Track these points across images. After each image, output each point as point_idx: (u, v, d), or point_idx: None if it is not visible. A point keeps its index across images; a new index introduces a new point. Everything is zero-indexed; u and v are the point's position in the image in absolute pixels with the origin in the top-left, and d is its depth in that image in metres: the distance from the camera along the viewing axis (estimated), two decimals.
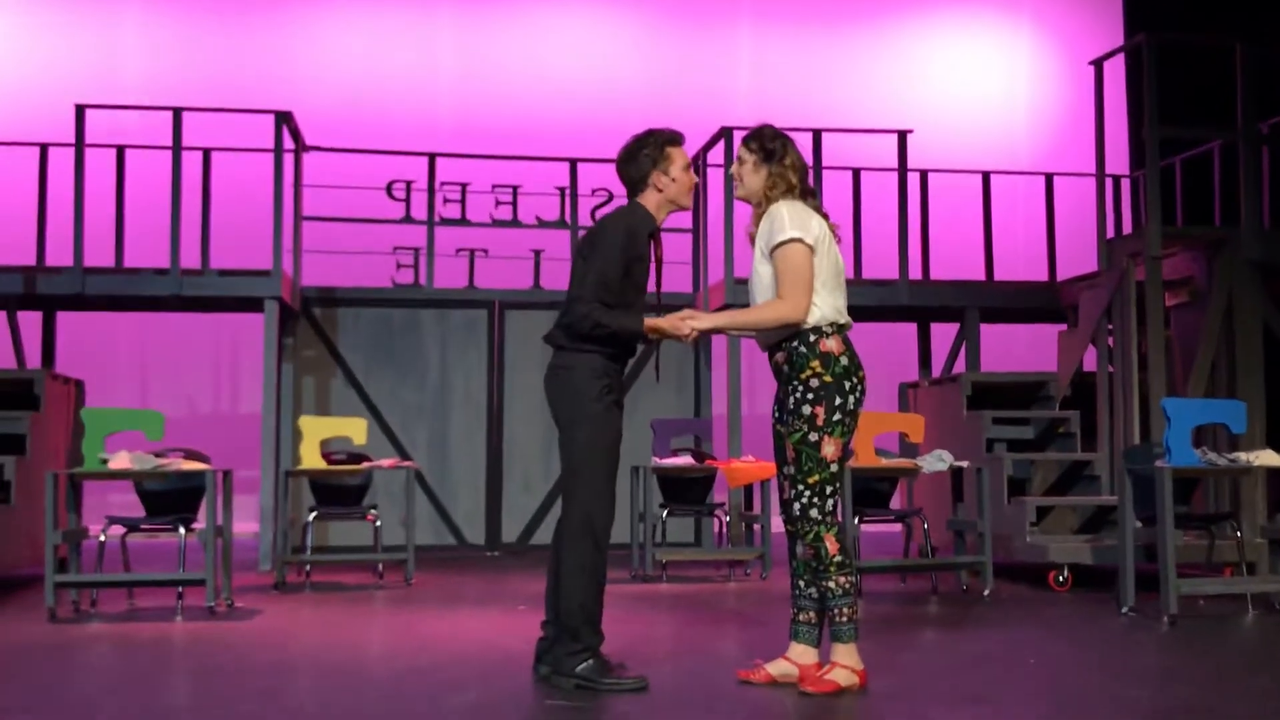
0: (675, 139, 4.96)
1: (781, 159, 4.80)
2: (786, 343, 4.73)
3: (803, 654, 4.85)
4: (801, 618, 4.86)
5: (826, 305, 4.71)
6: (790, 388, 4.73)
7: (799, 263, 4.68)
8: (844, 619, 4.69)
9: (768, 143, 4.83)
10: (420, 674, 5.13)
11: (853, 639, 4.70)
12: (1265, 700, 4.63)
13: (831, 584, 4.68)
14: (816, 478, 4.67)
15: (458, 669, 5.24)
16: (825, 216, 4.85)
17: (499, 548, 11.18)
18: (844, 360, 4.70)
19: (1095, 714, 4.35)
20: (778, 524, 8.56)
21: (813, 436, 4.66)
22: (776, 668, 4.85)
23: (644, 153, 4.90)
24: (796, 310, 4.67)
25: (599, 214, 11.33)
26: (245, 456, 11.16)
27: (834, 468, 4.69)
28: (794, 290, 4.67)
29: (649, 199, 4.93)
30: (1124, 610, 6.90)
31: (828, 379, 4.67)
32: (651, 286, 5.03)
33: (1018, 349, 12.44)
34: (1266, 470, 7.02)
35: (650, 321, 4.81)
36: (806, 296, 4.67)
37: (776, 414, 4.87)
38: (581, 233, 11.22)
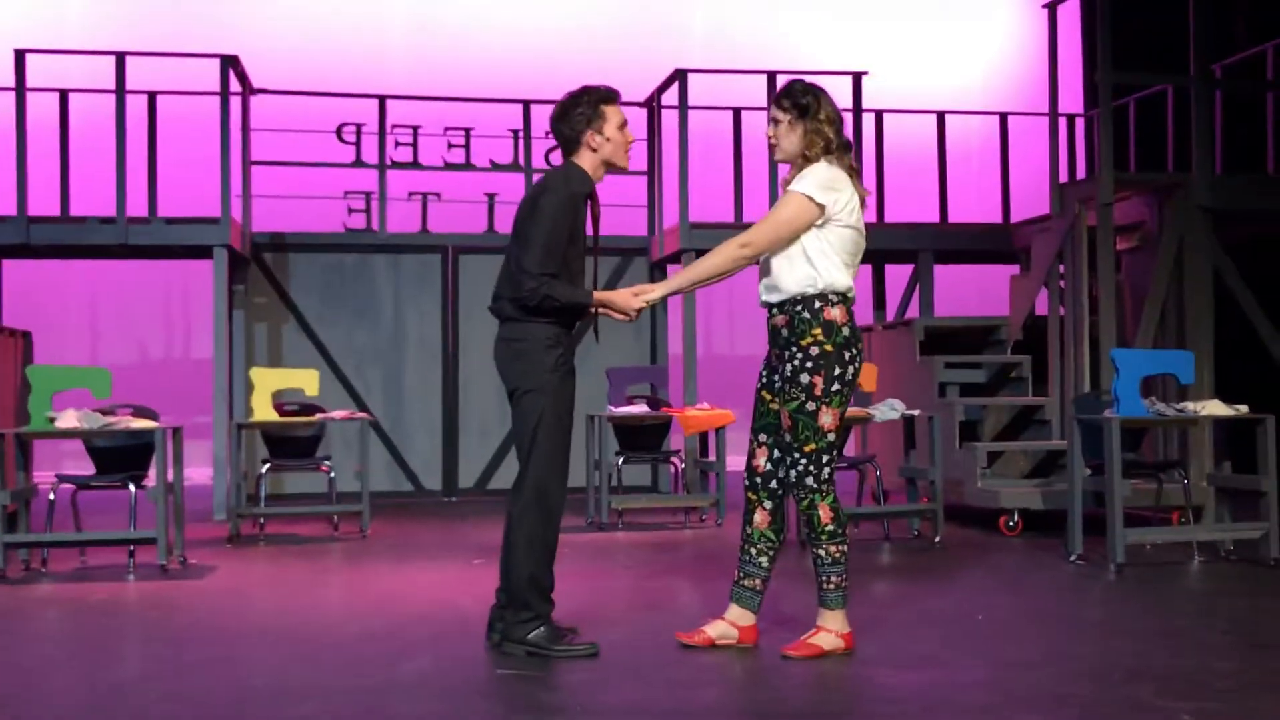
0: (610, 96, 4.84)
1: (816, 113, 4.67)
2: (789, 305, 4.66)
3: (741, 616, 4.90)
4: (746, 582, 4.89)
5: (836, 275, 4.62)
6: (789, 353, 4.66)
7: (787, 212, 4.59)
8: (832, 586, 4.71)
9: (800, 98, 4.69)
10: (374, 639, 5.14)
11: (840, 606, 4.72)
12: (1206, 655, 4.70)
13: (821, 551, 4.69)
14: (813, 446, 4.65)
15: (412, 633, 5.25)
16: (855, 173, 4.73)
17: (456, 493, 11.19)
18: (846, 331, 4.64)
19: (1036, 675, 4.41)
20: (733, 470, 8.62)
21: (810, 406, 4.62)
22: (715, 629, 4.90)
23: (577, 111, 4.80)
24: (747, 245, 4.61)
25: (552, 158, 11.24)
26: (198, 403, 11.11)
27: (830, 437, 4.66)
28: (760, 228, 4.62)
29: (584, 159, 4.83)
30: (1072, 558, 6.99)
31: (829, 348, 4.61)
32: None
33: (971, 289, 12.49)
34: (1214, 419, 7.10)
35: (600, 295, 4.78)
36: (768, 239, 4.60)
37: (764, 379, 4.83)
38: (536, 176, 11.15)
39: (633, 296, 4.80)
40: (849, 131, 5.08)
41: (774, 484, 4.83)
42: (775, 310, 4.72)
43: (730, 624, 4.88)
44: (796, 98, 4.70)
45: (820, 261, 4.63)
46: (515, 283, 4.71)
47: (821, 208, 4.60)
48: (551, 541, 4.78)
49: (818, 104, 4.69)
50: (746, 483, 4.90)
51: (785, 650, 4.70)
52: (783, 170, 4.89)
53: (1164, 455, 8.36)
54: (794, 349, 4.65)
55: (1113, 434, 6.71)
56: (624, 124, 4.87)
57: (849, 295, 4.68)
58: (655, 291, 4.83)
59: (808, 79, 4.81)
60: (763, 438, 4.84)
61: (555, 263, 4.67)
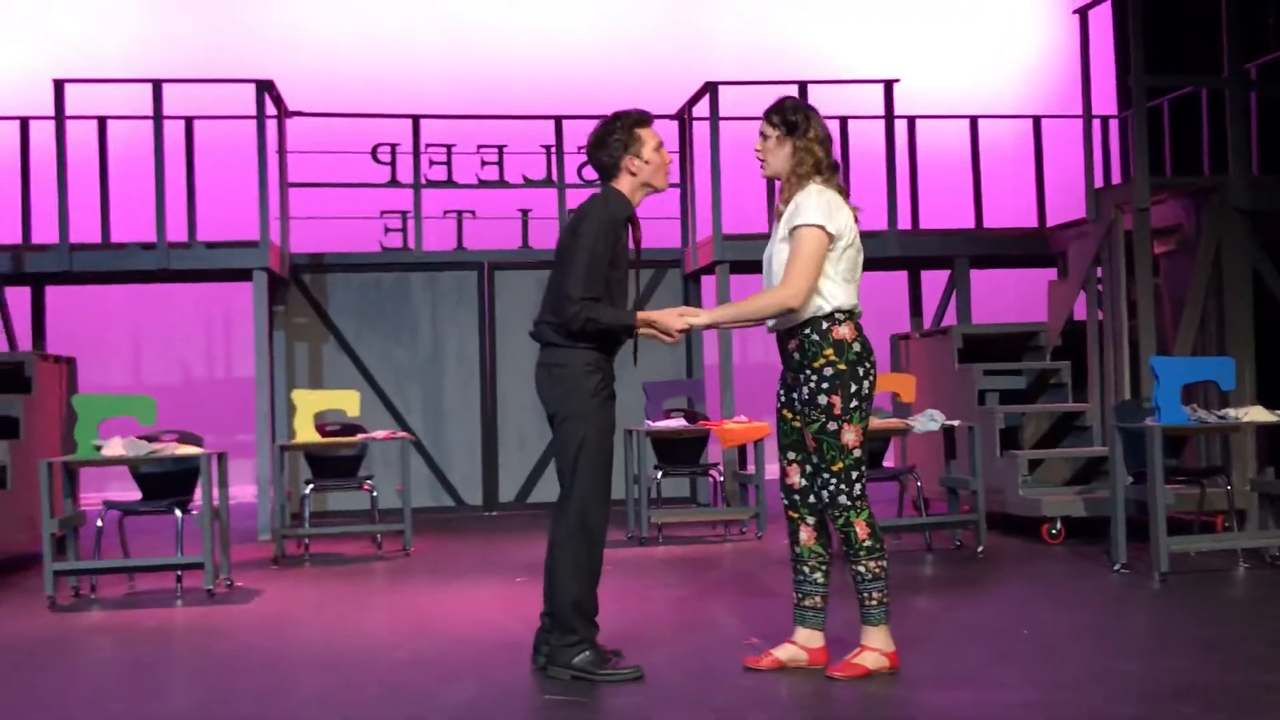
0: (644, 120, 4.90)
1: (805, 132, 4.73)
2: (798, 330, 4.70)
3: (810, 638, 4.87)
4: (807, 603, 4.88)
5: (839, 294, 4.67)
6: (803, 376, 4.70)
7: (811, 249, 4.61)
8: (874, 603, 4.72)
9: (789, 115, 4.76)
10: (418, 665, 5.18)
11: (883, 622, 4.73)
12: (1255, 671, 4.68)
13: (861, 568, 4.71)
14: (840, 465, 4.68)
15: (456, 657, 5.29)
16: (845, 194, 4.76)
17: (496, 507, 11.24)
18: (856, 347, 4.68)
19: (1084, 694, 4.40)
20: (772, 479, 8.62)
21: (831, 426, 4.66)
22: (784, 652, 4.87)
23: (613, 138, 4.85)
24: (796, 296, 4.62)
25: (584, 173, 11.28)
26: (242, 421, 11.23)
27: (857, 453, 4.69)
28: (798, 276, 4.61)
29: (623, 183, 4.88)
30: (1116, 567, 6.95)
31: (841, 366, 4.65)
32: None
33: (1009, 294, 12.44)
34: (1256, 425, 7.05)
35: (643, 315, 4.81)
36: (808, 284, 4.61)
37: (783, 398, 4.86)
38: (569, 191, 11.19)
39: (677, 317, 4.82)
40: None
41: (812, 499, 4.84)
42: (785, 335, 4.77)
43: (800, 647, 4.86)
44: (786, 114, 4.77)
45: (823, 285, 4.68)
46: (558, 308, 4.74)
47: (832, 236, 4.65)
48: (596, 565, 4.81)
49: (807, 123, 4.75)
50: (785, 502, 4.91)
51: (830, 671, 4.71)
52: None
53: (1206, 461, 8.30)
54: (808, 371, 4.69)
55: (1154, 443, 6.67)
56: (660, 145, 4.93)
57: (855, 311, 4.73)
58: (701, 318, 4.85)
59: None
60: (791, 455, 4.87)
61: (597, 286, 4.71)
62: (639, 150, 4.86)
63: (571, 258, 4.73)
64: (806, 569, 4.88)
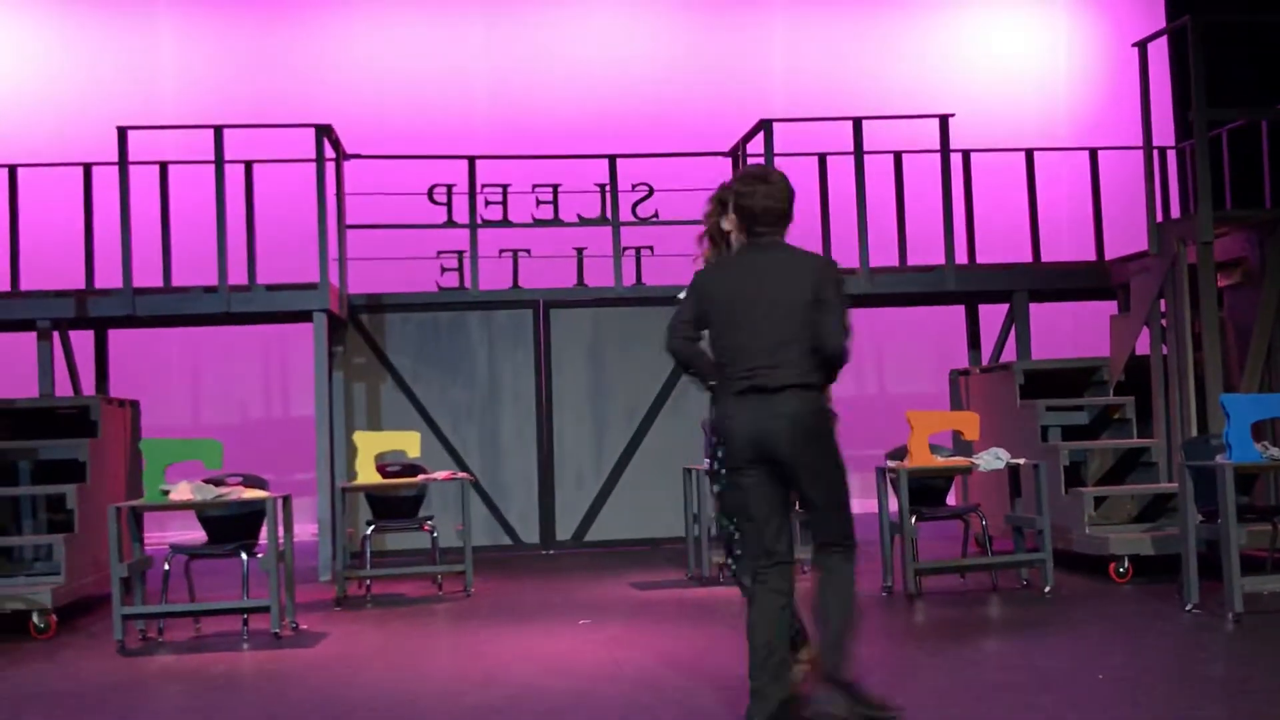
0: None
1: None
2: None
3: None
4: None
5: None
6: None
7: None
8: None
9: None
10: (488, 713, 5.16)
11: None
12: None
13: None
14: None
15: (528, 706, 5.26)
16: None
17: (554, 546, 11.23)
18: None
19: None
20: None
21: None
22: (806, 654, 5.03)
23: (780, 189, 4.79)
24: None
25: (639, 210, 11.31)
26: (301, 460, 11.30)
27: None
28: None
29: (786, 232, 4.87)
30: (1188, 607, 6.85)
31: None
32: None
33: (1068, 326, 12.34)
34: None
35: None
36: None
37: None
38: (624, 230, 11.22)
39: None
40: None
41: None
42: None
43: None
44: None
45: None
46: (841, 350, 4.69)
47: None
48: (754, 641, 4.61)
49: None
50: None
51: None
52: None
53: (1276, 498, 8.18)
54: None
55: (1227, 482, 6.58)
56: None
57: None
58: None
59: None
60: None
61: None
62: None
63: (838, 305, 4.70)
64: None
